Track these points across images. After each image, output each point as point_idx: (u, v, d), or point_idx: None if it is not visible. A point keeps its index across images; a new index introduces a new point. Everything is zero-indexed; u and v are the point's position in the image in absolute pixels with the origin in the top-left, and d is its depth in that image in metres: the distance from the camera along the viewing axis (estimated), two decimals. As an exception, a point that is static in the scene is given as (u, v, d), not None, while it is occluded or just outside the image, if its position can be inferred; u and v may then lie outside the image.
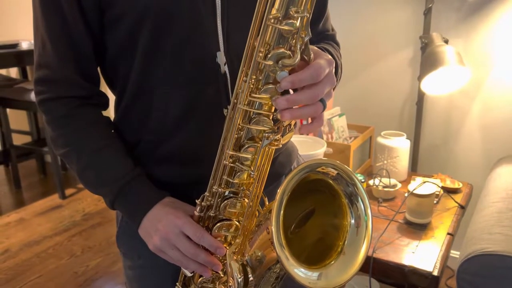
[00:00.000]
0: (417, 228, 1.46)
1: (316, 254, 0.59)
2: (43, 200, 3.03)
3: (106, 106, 0.78)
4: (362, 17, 2.08)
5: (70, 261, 2.33)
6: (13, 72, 3.57)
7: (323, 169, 0.56)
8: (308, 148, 1.74)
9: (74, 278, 2.19)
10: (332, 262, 0.58)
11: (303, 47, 0.53)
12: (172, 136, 0.72)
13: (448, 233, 1.43)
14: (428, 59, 1.68)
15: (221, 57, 0.67)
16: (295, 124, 0.61)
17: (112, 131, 0.75)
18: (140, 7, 0.63)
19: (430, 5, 1.79)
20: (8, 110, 3.22)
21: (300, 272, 0.55)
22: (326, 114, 1.93)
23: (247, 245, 0.64)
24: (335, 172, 0.57)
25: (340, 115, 1.98)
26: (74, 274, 2.22)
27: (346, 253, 0.58)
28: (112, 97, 0.79)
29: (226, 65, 0.68)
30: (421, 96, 1.95)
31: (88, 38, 0.68)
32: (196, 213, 0.67)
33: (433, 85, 1.80)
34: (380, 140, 1.81)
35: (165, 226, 0.66)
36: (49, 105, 0.72)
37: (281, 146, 0.60)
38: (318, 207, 0.62)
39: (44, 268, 2.27)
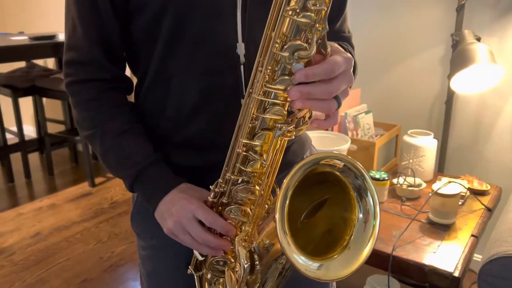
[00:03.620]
0: (440, 229, 1.44)
1: (322, 247, 0.60)
2: (74, 187, 3.14)
3: (130, 90, 0.80)
4: (392, 13, 2.05)
5: (97, 247, 2.41)
6: (50, 63, 3.70)
7: (327, 161, 0.56)
8: (332, 143, 1.74)
9: (99, 263, 2.26)
10: (336, 256, 0.58)
11: (319, 40, 0.54)
12: (189, 124, 0.74)
13: (472, 235, 1.40)
14: (458, 57, 1.64)
15: (240, 48, 0.68)
16: (309, 117, 0.62)
17: (135, 115, 0.77)
18: None
19: (463, 2, 1.74)
20: (44, 99, 3.34)
21: (300, 259, 0.55)
22: (352, 111, 1.91)
23: (256, 233, 0.66)
24: (342, 164, 0.57)
25: (366, 112, 1.97)
26: (100, 259, 2.29)
27: (351, 248, 0.58)
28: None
29: (245, 56, 0.69)
30: (450, 95, 1.91)
31: (116, 22, 0.71)
32: (210, 199, 0.69)
33: (463, 83, 1.75)
34: (406, 138, 1.79)
35: (178, 210, 0.68)
36: (76, 88, 0.75)
37: (293, 137, 0.60)
38: (327, 199, 0.62)
39: (72, 252, 2.35)
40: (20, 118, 3.17)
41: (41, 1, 3.62)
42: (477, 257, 1.94)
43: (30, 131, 4.01)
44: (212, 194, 0.69)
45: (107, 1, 0.68)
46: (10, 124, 3.38)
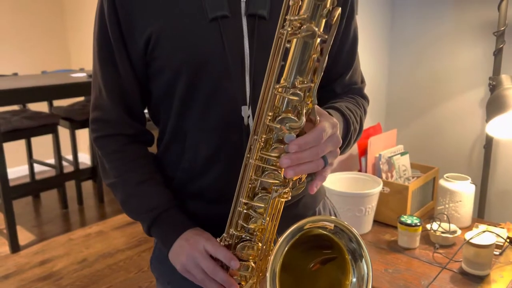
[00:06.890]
0: (472, 280, 1.38)
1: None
2: (121, 215, 3.29)
3: (151, 143, 0.88)
4: (430, 55, 2.04)
5: (137, 275, 2.50)
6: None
7: (315, 224, 0.59)
8: (364, 186, 1.74)
9: (139, 292, 2.35)
10: None
11: (309, 111, 0.58)
12: (202, 176, 0.80)
13: (507, 289, 1.34)
14: (494, 102, 1.61)
15: (245, 111, 0.74)
16: (306, 176, 0.65)
17: (155, 166, 0.85)
18: (177, 62, 0.74)
19: (501, 46, 1.72)
20: (98, 131, 3.56)
21: None
22: (387, 152, 1.91)
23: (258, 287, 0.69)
24: (332, 225, 0.59)
25: (402, 154, 1.95)
26: (139, 288, 2.38)
27: None
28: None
29: (249, 118, 0.74)
30: (489, 139, 1.86)
31: (136, 86, 0.80)
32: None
33: (501, 128, 1.71)
34: (442, 183, 1.75)
35: (191, 244, 0.73)
36: (102, 142, 0.84)
37: (290, 198, 0.64)
38: (323, 261, 0.65)
39: (114, 280, 2.46)
40: (76, 148, 3.40)
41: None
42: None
43: (86, 159, 4.28)
44: None
45: (128, 69, 0.78)
46: (67, 152, 3.63)
